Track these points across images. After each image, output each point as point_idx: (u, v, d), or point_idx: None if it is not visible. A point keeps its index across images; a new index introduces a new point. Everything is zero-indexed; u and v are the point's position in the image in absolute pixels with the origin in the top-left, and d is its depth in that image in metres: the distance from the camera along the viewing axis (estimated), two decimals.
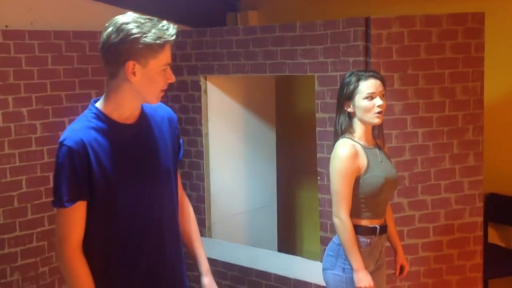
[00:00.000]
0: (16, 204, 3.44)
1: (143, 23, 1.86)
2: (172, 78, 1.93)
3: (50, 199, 3.46)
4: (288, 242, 4.67)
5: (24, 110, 3.45)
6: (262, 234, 4.36)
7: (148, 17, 1.90)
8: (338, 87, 2.79)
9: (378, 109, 2.56)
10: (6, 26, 3.59)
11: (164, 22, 1.89)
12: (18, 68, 3.42)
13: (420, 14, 3.29)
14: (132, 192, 1.94)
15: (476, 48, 3.34)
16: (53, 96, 3.57)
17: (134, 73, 1.87)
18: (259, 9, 4.92)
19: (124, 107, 1.94)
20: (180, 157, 2.15)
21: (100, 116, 1.92)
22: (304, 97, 4.55)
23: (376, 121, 2.59)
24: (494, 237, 4.11)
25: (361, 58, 3.21)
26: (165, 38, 1.85)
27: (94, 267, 1.93)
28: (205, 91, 3.94)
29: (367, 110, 2.56)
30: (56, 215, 1.93)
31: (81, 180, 1.87)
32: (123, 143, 1.93)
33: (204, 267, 2.16)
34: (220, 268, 3.91)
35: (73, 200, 1.88)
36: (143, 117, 2.00)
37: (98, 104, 1.95)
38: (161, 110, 2.07)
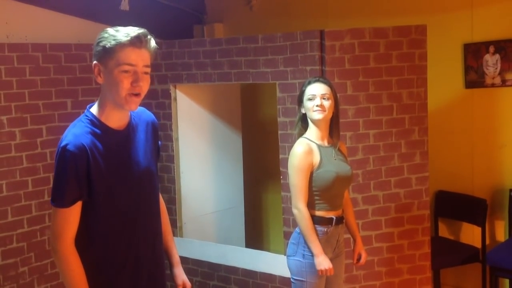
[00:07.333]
0: None
1: (114, 31, 1.94)
2: (138, 81, 1.92)
3: (29, 202, 3.65)
4: (254, 240, 4.72)
5: (4, 118, 3.51)
6: (230, 233, 4.40)
7: (129, 27, 1.96)
8: (297, 93, 2.99)
9: (316, 108, 2.82)
10: None
11: (131, 29, 1.94)
12: None
13: (369, 27, 3.46)
14: (124, 191, 2.03)
15: (419, 57, 3.51)
16: (31, 105, 3.63)
17: (100, 75, 1.96)
18: (224, 22, 5.02)
19: (110, 112, 2.00)
20: (159, 156, 2.27)
21: (95, 122, 1.99)
22: (267, 103, 4.66)
23: (316, 116, 2.83)
24: (443, 231, 4.27)
25: (317, 67, 3.37)
26: (119, 39, 1.90)
27: (86, 259, 1.99)
28: (175, 99, 4.01)
29: (308, 109, 2.84)
30: (54, 213, 1.96)
31: (82, 181, 1.92)
32: (116, 147, 2.01)
33: (175, 258, 2.27)
34: (191, 266, 3.96)
35: (73, 201, 1.93)
36: (132, 124, 2.08)
37: (93, 110, 2.02)
38: (145, 115, 2.18)
